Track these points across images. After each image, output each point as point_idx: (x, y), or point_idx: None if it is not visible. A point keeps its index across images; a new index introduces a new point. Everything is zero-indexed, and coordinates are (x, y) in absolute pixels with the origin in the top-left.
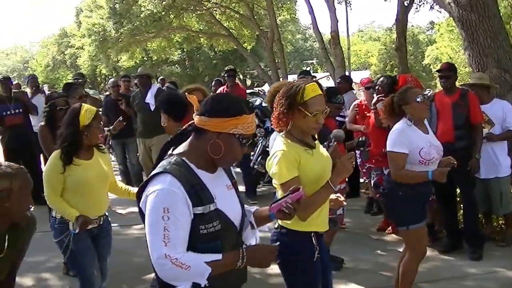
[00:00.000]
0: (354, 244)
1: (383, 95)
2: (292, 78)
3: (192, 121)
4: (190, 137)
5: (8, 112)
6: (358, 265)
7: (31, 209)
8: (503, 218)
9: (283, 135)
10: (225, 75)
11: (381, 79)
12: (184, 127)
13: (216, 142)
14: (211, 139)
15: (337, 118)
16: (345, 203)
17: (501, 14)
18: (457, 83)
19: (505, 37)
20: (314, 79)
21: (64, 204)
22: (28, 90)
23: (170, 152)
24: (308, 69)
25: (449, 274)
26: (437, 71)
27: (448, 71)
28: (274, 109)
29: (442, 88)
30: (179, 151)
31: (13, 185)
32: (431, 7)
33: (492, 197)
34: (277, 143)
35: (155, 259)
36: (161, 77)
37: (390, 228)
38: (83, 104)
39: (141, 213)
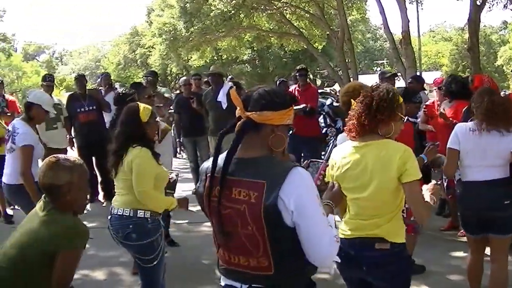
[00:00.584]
0: (425, 245)
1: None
2: (362, 78)
3: (247, 118)
4: (249, 135)
5: (82, 109)
6: (430, 267)
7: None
8: None
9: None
10: (297, 74)
11: (445, 79)
12: (239, 124)
13: (279, 135)
14: (271, 132)
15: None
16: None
17: None
18: None
19: None
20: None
21: (162, 195)
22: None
23: (235, 154)
24: (378, 69)
25: None
26: None
27: None
28: (357, 111)
29: None
30: (253, 151)
31: (73, 177)
32: (505, 6)
33: None
34: (398, 145)
35: (329, 243)
36: (230, 76)
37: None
38: (138, 103)
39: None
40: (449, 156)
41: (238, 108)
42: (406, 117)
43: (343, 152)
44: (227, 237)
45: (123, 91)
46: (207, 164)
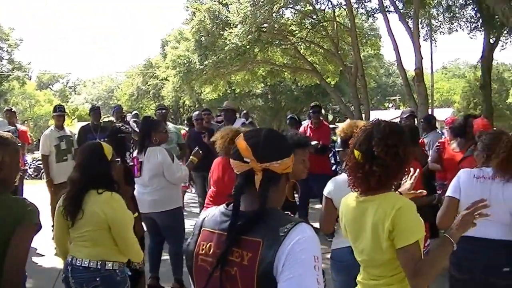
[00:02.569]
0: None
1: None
2: (374, 114)
3: (266, 170)
4: (264, 187)
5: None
6: None
7: None
8: None
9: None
10: (311, 111)
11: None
12: (259, 179)
13: (292, 182)
14: (285, 182)
15: None
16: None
17: None
18: None
19: None
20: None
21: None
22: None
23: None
24: (390, 105)
25: None
26: None
27: None
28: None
29: None
30: (255, 203)
31: (5, 157)
32: None
33: None
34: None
35: None
36: (244, 111)
37: None
38: (99, 142)
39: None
40: (447, 206)
41: (246, 159)
42: None
43: (346, 206)
44: None
45: (121, 126)
46: (202, 217)
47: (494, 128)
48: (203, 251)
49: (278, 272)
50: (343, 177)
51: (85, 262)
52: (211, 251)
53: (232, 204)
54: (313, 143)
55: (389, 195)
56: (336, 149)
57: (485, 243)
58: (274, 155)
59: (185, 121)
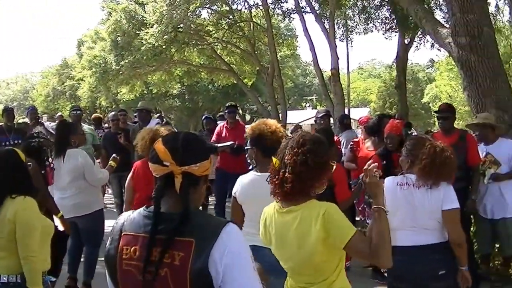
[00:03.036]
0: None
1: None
2: (291, 113)
3: (185, 173)
4: (185, 190)
5: (7, 143)
6: None
7: None
8: (501, 259)
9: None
10: (226, 111)
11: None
12: (179, 182)
13: (208, 186)
14: (204, 183)
15: None
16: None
17: (500, 54)
18: (458, 122)
19: (504, 78)
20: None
21: (47, 250)
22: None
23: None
24: (307, 105)
25: None
26: (435, 112)
27: (447, 112)
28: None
29: (440, 129)
30: (177, 204)
31: None
32: (432, 46)
33: (499, 237)
34: (316, 210)
35: None
36: (158, 114)
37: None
38: (12, 148)
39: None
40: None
41: (166, 162)
42: None
43: (270, 216)
44: None
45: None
46: (122, 220)
47: (413, 129)
48: (128, 256)
49: (218, 275)
50: (249, 176)
51: (4, 278)
52: (137, 254)
53: (152, 207)
54: (229, 143)
55: (310, 204)
56: (246, 148)
57: (418, 250)
58: (193, 158)
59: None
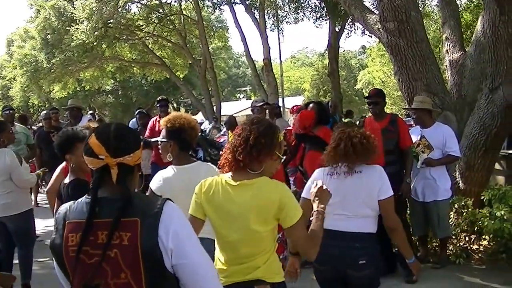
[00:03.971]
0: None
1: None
2: (225, 105)
3: (120, 164)
4: (121, 179)
5: None
6: None
7: None
8: (438, 241)
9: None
10: (158, 105)
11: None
12: (96, 172)
13: (140, 175)
14: (138, 171)
15: None
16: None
17: (430, 39)
18: (392, 107)
19: (434, 61)
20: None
21: None
22: None
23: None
24: (241, 96)
25: None
26: (365, 97)
27: (376, 97)
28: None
29: (371, 114)
30: (116, 189)
31: None
32: (363, 32)
33: (430, 220)
34: (274, 186)
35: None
36: (90, 111)
37: None
38: None
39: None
40: (302, 208)
41: (101, 156)
42: None
43: (216, 189)
44: None
45: None
46: (64, 210)
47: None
48: (74, 242)
49: (167, 251)
50: (169, 170)
51: None
52: (78, 239)
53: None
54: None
55: (264, 180)
56: (159, 140)
57: (342, 236)
58: (125, 150)
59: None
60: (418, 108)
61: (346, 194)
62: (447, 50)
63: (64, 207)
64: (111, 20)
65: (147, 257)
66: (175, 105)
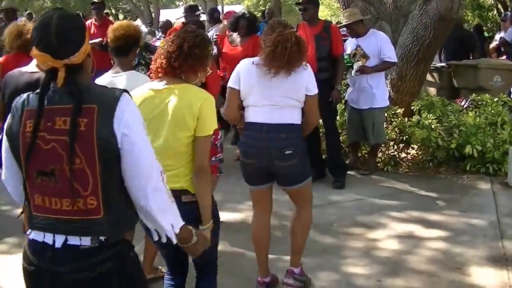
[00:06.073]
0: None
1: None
2: (164, 12)
3: (67, 66)
4: (73, 78)
5: None
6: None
7: None
8: (370, 147)
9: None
10: (92, 7)
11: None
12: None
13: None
14: (88, 62)
15: None
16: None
17: None
18: (332, 18)
19: None
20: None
21: None
22: None
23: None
24: (181, 3)
25: (313, 202)
26: (296, 3)
27: (307, 3)
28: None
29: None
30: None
31: None
32: None
33: (365, 127)
34: (199, 94)
35: (157, 179)
36: (28, 11)
37: None
38: None
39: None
40: (229, 97)
41: (45, 61)
42: None
43: (143, 97)
44: (49, 177)
45: None
46: (24, 97)
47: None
48: (31, 128)
49: (118, 136)
50: (107, 77)
51: None
52: (40, 126)
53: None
54: (98, 40)
55: (193, 87)
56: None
57: (268, 128)
58: (70, 50)
59: None
60: (348, 23)
61: (272, 85)
62: None
63: (25, 94)
64: None
65: (103, 145)
66: (113, 11)
